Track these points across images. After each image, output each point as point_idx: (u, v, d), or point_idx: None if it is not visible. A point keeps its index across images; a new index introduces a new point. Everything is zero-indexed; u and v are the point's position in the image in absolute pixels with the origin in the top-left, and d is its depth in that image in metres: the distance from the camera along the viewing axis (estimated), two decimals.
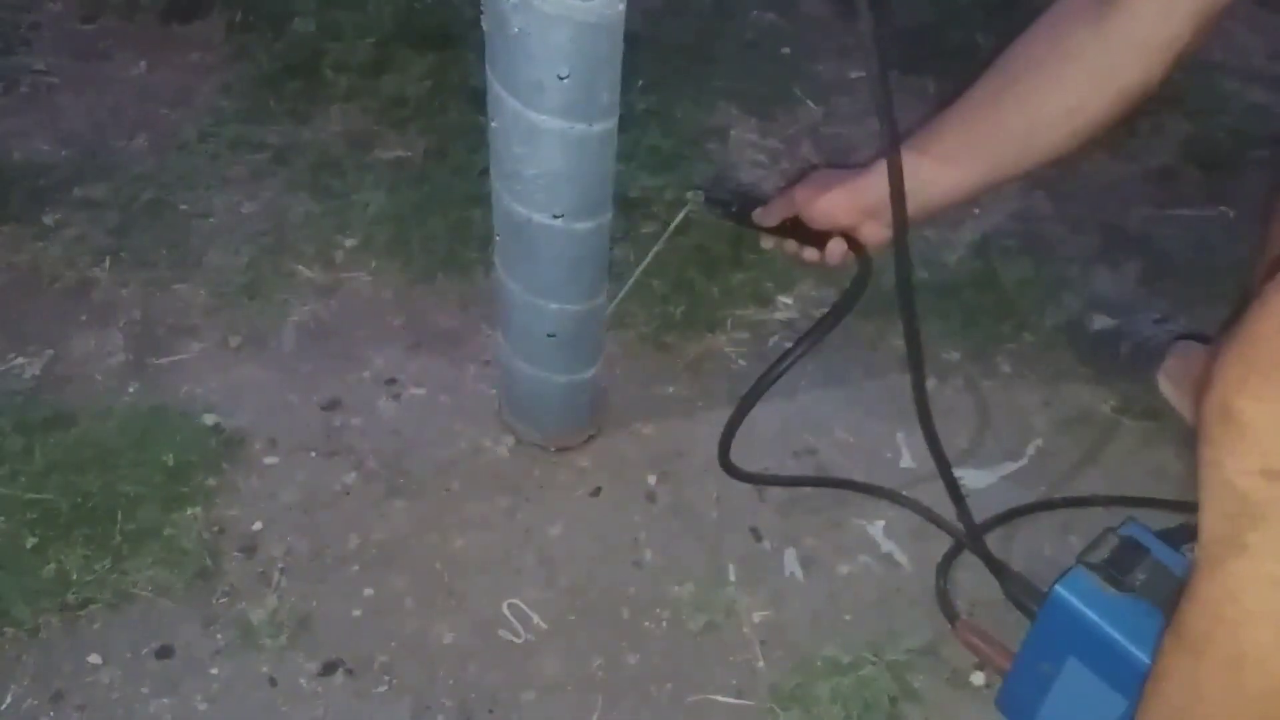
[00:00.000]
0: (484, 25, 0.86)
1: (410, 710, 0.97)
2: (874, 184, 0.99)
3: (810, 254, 1.07)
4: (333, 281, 1.37)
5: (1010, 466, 1.21)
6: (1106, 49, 0.89)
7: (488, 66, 0.89)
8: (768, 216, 1.09)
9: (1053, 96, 0.92)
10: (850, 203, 1.02)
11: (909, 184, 0.88)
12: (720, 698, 1.00)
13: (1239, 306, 0.62)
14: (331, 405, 1.23)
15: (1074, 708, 0.90)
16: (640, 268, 1.13)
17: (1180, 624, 0.66)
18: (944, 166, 0.97)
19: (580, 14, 0.80)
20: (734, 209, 1.12)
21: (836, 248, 1.04)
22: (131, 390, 1.22)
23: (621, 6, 0.82)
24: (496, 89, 0.88)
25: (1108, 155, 1.64)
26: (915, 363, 0.94)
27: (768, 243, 1.12)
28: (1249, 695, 0.62)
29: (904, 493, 1.16)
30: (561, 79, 0.84)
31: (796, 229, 1.07)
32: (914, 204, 0.88)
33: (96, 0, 1.82)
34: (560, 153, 0.90)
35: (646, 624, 1.05)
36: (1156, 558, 0.86)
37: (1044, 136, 0.93)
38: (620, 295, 1.14)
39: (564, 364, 1.10)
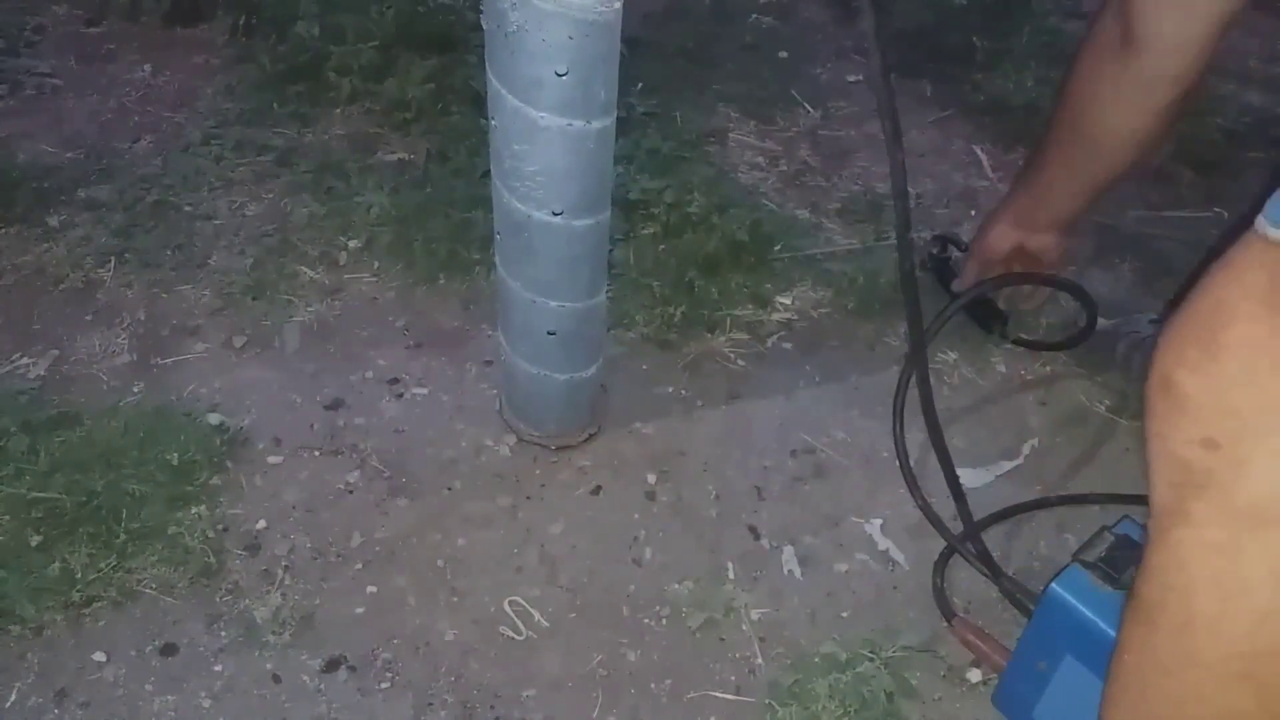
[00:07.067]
0: (484, 23, 0.87)
1: (412, 706, 0.98)
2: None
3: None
4: (336, 282, 1.38)
5: (1006, 465, 1.22)
6: (1137, 83, 1.05)
7: (487, 64, 0.89)
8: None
9: (1103, 128, 1.11)
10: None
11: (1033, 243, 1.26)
12: (719, 694, 1.00)
13: (1184, 289, 0.64)
14: (334, 405, 1.24)
15: (1070, 704, 0.91)
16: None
17: (1135, 595, 0.66)
18: (1048, 233, 1.26)
19: (578, 11, 0.81)
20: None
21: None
22: (136, 390, 1.23)
23: (618, 4, 0.83)
24: (496, 86, 0.89)
25: None
26: (918, 355, 0.94)
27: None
28: (1203, 661, 0.62)
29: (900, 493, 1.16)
30: (560, 76, 0.85)
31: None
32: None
33: (100, 3, 1.83)
34: (559, 149, 0.90)
35: (646, 621, 1.06)
36: None
37: (1111, 155, 1.14)
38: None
39: (564, 362, 1.11)
